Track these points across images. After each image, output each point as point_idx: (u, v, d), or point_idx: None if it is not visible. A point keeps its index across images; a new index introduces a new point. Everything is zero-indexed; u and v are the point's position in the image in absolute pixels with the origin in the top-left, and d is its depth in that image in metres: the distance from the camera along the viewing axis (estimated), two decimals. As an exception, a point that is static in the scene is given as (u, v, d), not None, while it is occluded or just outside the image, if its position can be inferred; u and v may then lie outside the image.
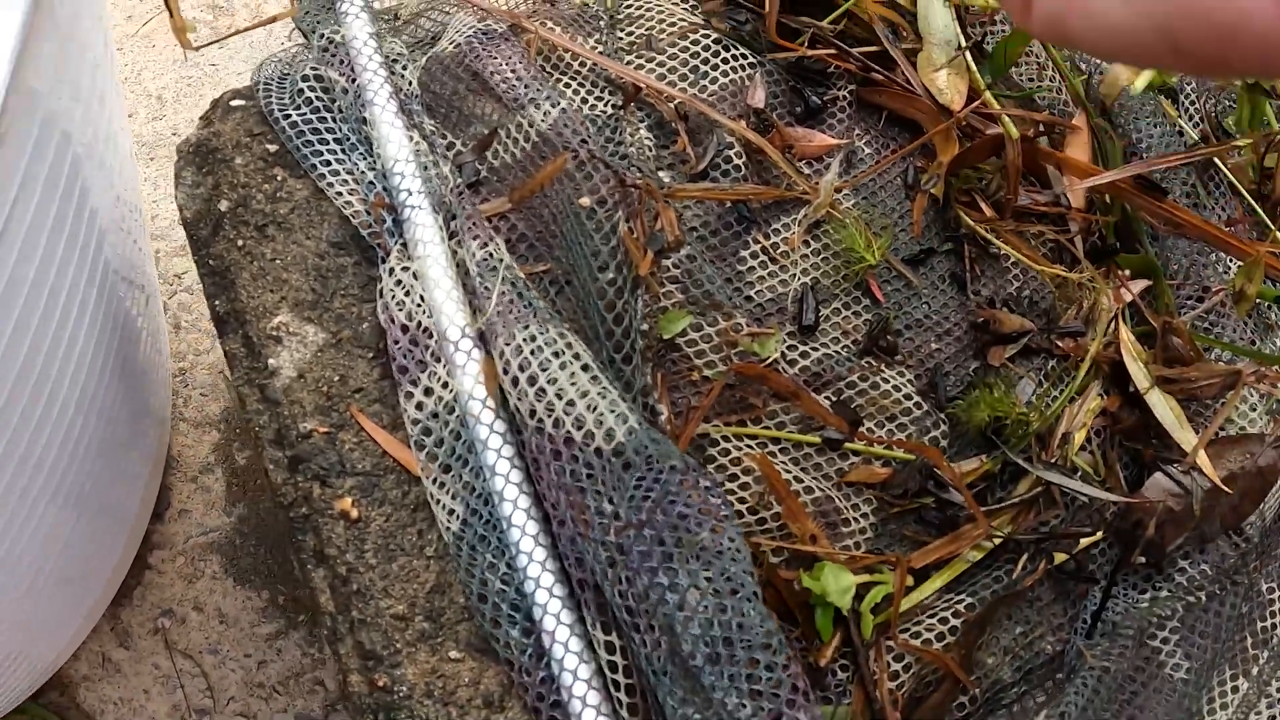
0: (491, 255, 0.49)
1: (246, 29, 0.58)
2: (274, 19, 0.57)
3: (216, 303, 0.53)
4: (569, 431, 0.45)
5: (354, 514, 0.49)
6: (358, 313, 0.52)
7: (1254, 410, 0.59)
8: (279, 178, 0.55)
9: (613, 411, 0.45)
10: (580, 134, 0.51)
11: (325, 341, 0.51)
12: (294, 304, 0.52)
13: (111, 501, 0.74)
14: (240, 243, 0.53)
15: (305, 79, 0.55)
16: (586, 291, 0.50)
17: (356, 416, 0.50)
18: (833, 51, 0.60)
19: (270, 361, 0.51)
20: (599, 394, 0.45)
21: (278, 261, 0.53)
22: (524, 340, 0.47)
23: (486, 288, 0.48)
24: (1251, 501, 0.56)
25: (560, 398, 0.45)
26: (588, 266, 0.49)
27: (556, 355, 0.46)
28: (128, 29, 0.91)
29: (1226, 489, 0.55)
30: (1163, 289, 0.61)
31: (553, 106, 0.53)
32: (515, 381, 0.47)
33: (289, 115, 0.55)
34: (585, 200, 0.50)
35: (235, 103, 0.57)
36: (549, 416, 0.45)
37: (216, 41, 0.55)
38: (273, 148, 0.55)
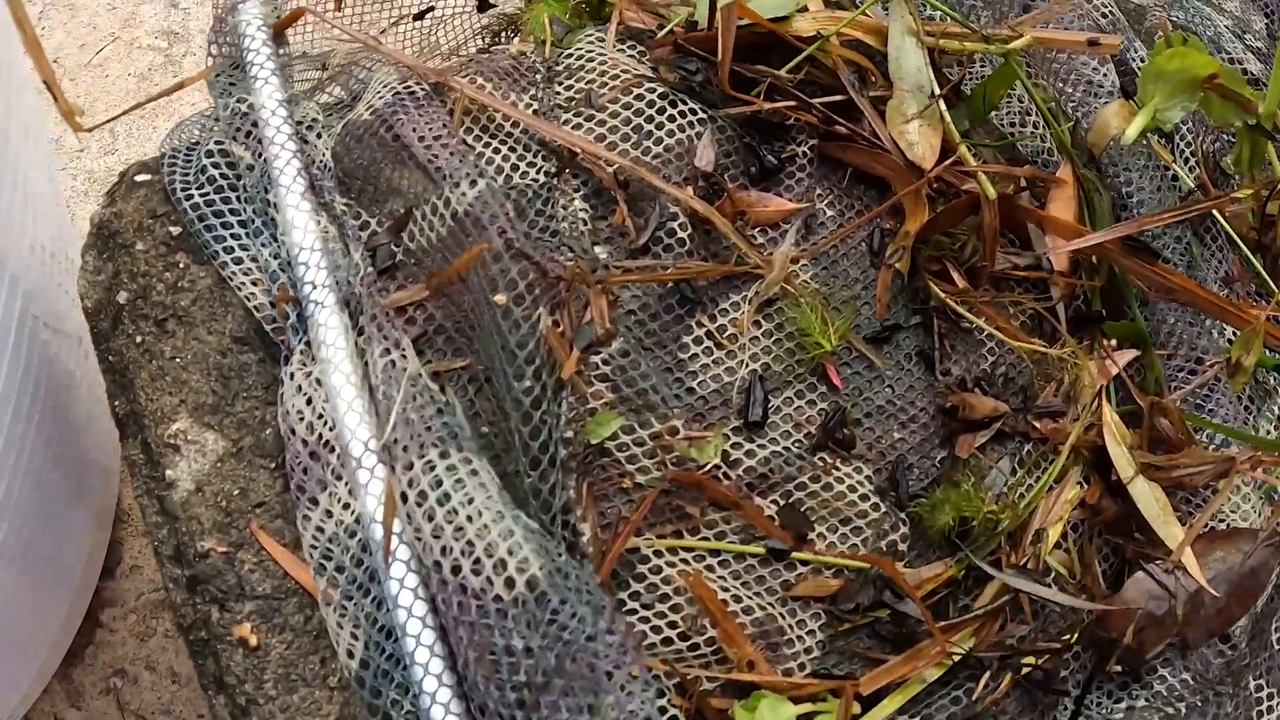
0: (394, 364, 0.45)
1: (135, 107, 0.54)
2: (181, 85, 0.52)
3: (116, 404, 0.49)
4: (474, 565, 0.41)
5: (253, 641, 0.46)
6: (261, 417, 0.48)
7: (1247, 502, 0.53)
8: (181, 265, 0.51)
9: (523, 544, 0.41)
10: (499, 218, 0.47)
11: (225, 450, 0.48)
12: (194, 408, 0.48)
13: (54, 557, 0.72)
14: (139, 339, 0.49)
15: (210, 154, 0.51)
16: (503, 397, 0.46)
17: (257, 534, 0.47)
18: (792, 103, 0.55)
19: (168, 473, 0.48)
20: (508, 524, 0.41)
21: (177, 360, 0.49)
22: (427, 464, 0.43)
23: (389, 400, 0.44)
24: (1241, 605, 0.52)
25: (465, 528, 0.41)
26: (504, 371, 0.45)
27: (461, 482, 0.42)
28: (80, 58, 0.87)
29: (1213, 592, 0.50)
30: (1152, 360, 0.56)
31: (472, 185, 0.48)
32: (419, 506, 0.43)
33: (191, 195, 0.50)
34: (500, 297, 0.45)
35: (141, 178, 0.53)
36: (453, 548, 0.41)
37: (108, 121, 0.51)
38: (176, 230, 0.51)
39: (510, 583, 0.40)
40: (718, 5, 0.53)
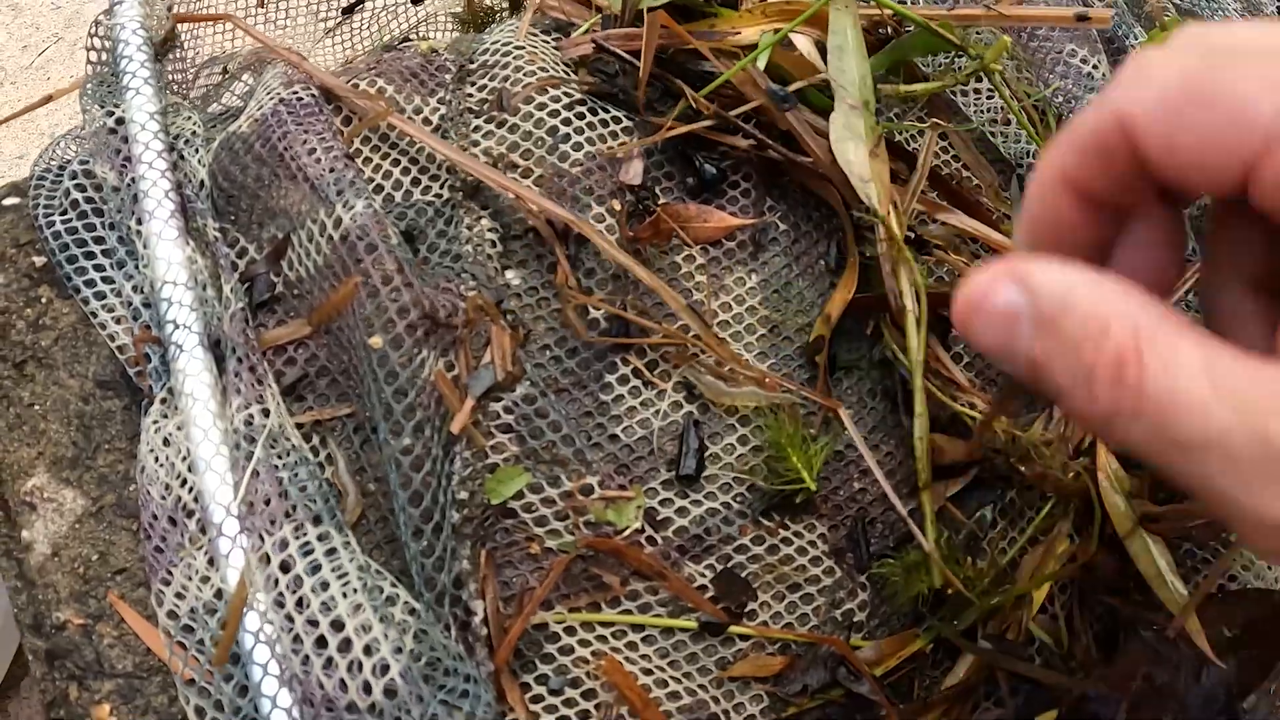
0: (254, 418, 0.39)
1: (17, 114, 0.48)
2: (49, 98, 0.47)
3: (-25, 453, 0.44)
4: (325, 666, 0.35)
5: (114, 727, 0.40)
6: (124, 472, 0.43)
7: (1260, 561, 0.46)
8: (44, 299, 0.45)
9: (382, 641, 0.35)
10: (378, 245, 0.41)
11: (84, 510, 0.42)
12: (52, 461, 0.43)
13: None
14: (-4, 382, 0.44)
15: (74, 175, 0.45)
16: (385, 456, 0.40)
17: (116, 605, 0.41)
18: (713, 123, 0.47)
19: (24, 533, 0.42)
20: (365, 617, 0.35)
21: (36, 407, 0.44)
22: (285, 537, 0.37)
23: (246, 461, 0.38)
24: (1253, 678, 0.44)
25: (318, 620, 0.36)
26: (382, 426, 0.39)
27: (318, 564, 0.36)
28: (22, 60, 0.83)
29: (1220, 664, 0.43)
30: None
31: (351, 205, 0.42)
32: (276, 587, 0.37)
33: (54, 222, 0.45)
34: (376, 340, 0.39)
35: (9, 201, 0.47)
36: (305, 641, 0.36)
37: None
38: (40, 261, 0.46)
39: (366, 688, 0.34)
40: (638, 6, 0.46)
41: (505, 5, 0.60)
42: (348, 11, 0.60)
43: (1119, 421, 0.25)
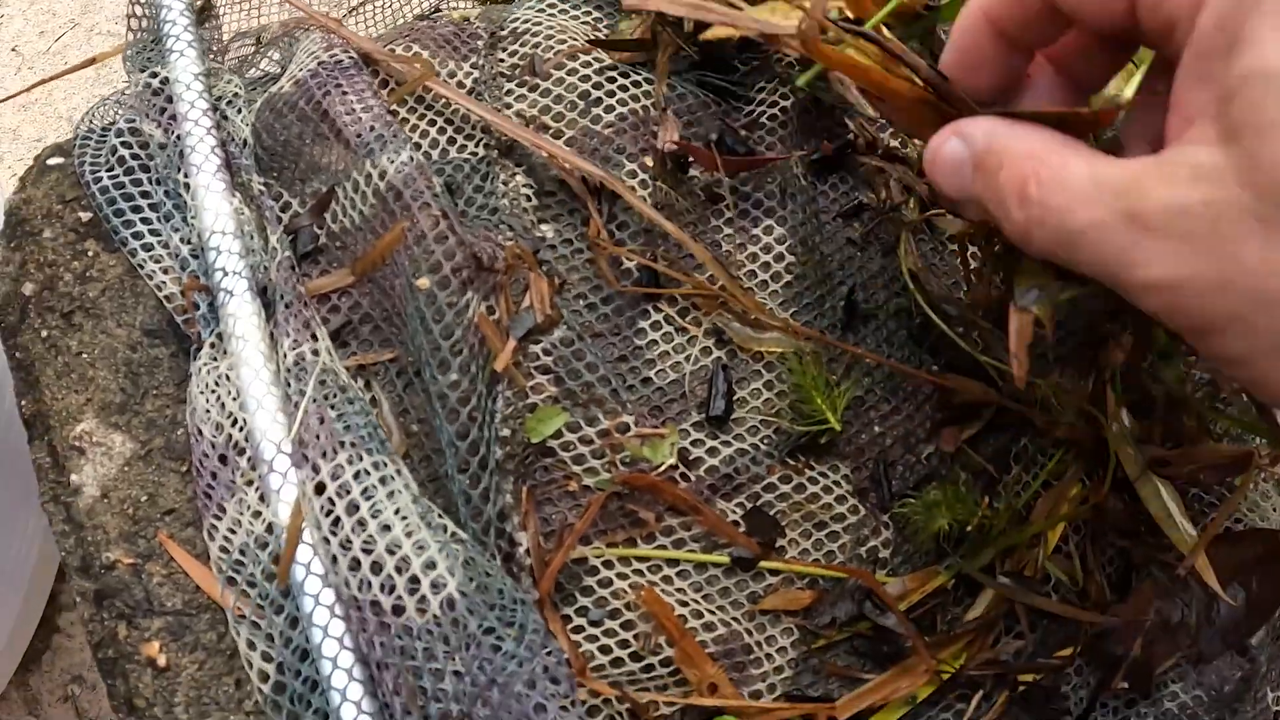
0: (304, 357, 0.40)
1: (53, 77, 0.50)
2: (93, 60, 0.48)
3: (23, 402, 0.45)
4: (385, 583, 0.36)
5: (162, 661, 0.41)
6: (172, 416, 0.44)
7: (1267, 500, 0.48)
8: (90, 253, 0.47)
9: (438, 560, 0.36)
10: (424, 193, 0.42)
11: (134, 453, 0.44)
12: (100, 407, 0.44)
13: (2, 559, 0.68)
14: (45, 333, 0.45)
15: (120, 134, 0.47)
16: (431, 393, 0.41)
17: (166, 545, 0.42)
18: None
19: (73, 477, 0.44)
20: (423, 536, 0.37)
21: (84, 355, 0.45)
22: (336, 468, 0.38)
23: (298, 398, 0.40)
24: (1260, 614, 0.46)
25: (375, 542, 0.37)
26: (429, 364, 0.41)
27: (372, 491, 0.38)
28: (39, 45, 0.84)
29: (1229, 600, 0.45)
30: (1165, 344, 0.51)
31: (395, 156, 0.43)
32: (327, 516, 0.38)
33: (100, 178, 0.46)
34: (424, 281, 0.41)
35: (53, 161, 0.49)
36: (364, 564, 0.37)
37: (19, 93, 0.47)
38: (86, 216, 0.47)
39: (424, 603, 0.36)
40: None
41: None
42: (372, -11, 0.62)
43: (1033, 232, 0.31)
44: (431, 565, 0.36)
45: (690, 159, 0.48)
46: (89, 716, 0.73)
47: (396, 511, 0.38)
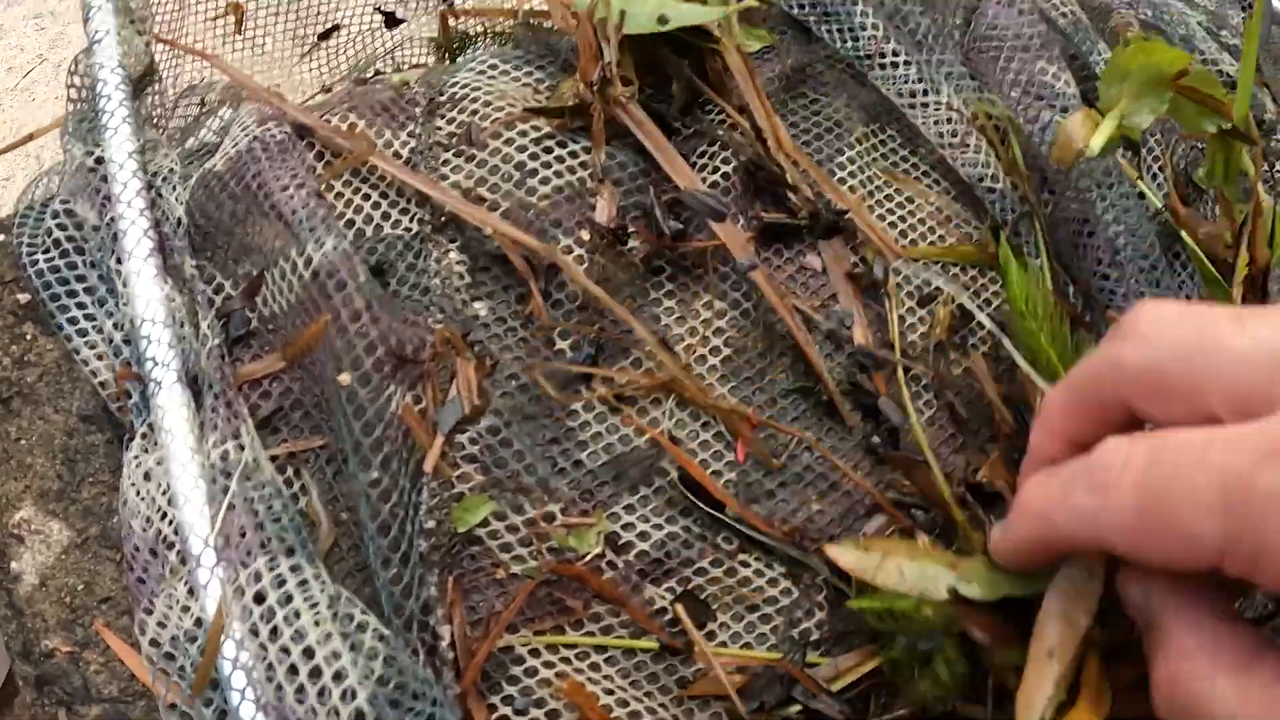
0: (228, 454, 0.41)
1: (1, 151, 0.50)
2: (30, 137, 0.48)
3: (-34, 484, 0.46)
4: (297, 692, 0.37)
5: (101, 749, 0.42)
6: (108, 504, 0.45)
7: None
8: (28, 336, 0.47)
9: (350, 669, 0.37)
10: (349, 285, 0.42)
11: (71, 541, 0.44)
12: (39, 494, 0.45)
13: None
14: (-16, 416, 0.46)
15: (55, 215, 0.47)
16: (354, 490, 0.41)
17: (102, 633, 0.43)
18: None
19: (13, 565, 0.44)
20: (334, 645, 0.37)
21: (23, 442, 0.46)
22: (258, 571, 0.39)
23: (222, 495, 0.40)
24: None
25: (290, 649, 0.37)
26: (352, 460, 0.41)
27: (290, 595, 0.38)
28: (7, 82, 0.84)
29: None
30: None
31: (321, 243, 0.43)
32: (249, 618, 0.39)
33: (36, 260, 0.47)
34: (344, 377, 0.41)
35: (-6, 236, 0.49)
36: (277, 669, 0.37)
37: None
38: (24, 299, 0.47)
39: (335, 713, 0.36)
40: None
41: (481, 30, 0.61)
42: (324, 36, 0.61)
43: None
44: (341, 676, 0.37)
45: (629, 230, 0.48)
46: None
47: (313, 615, 0.38)
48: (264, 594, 0.38)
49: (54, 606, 0.44)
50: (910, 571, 0.40)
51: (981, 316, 0.48)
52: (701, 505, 0.45)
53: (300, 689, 0.37)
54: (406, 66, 0.60)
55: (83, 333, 0.46)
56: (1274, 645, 0.29)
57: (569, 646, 0.43)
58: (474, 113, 0.49)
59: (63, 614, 0.43)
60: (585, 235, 0.47)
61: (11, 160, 0.79)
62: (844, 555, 0.40)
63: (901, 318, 0.49)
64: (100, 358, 0.45)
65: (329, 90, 0.60)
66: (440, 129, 0.49)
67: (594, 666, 0.43)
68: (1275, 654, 0.29)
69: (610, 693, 0.42)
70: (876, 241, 0.48)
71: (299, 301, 0.44)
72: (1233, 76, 0.58)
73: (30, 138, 0.48)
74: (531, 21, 0.55)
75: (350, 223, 0.47)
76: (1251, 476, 0.27)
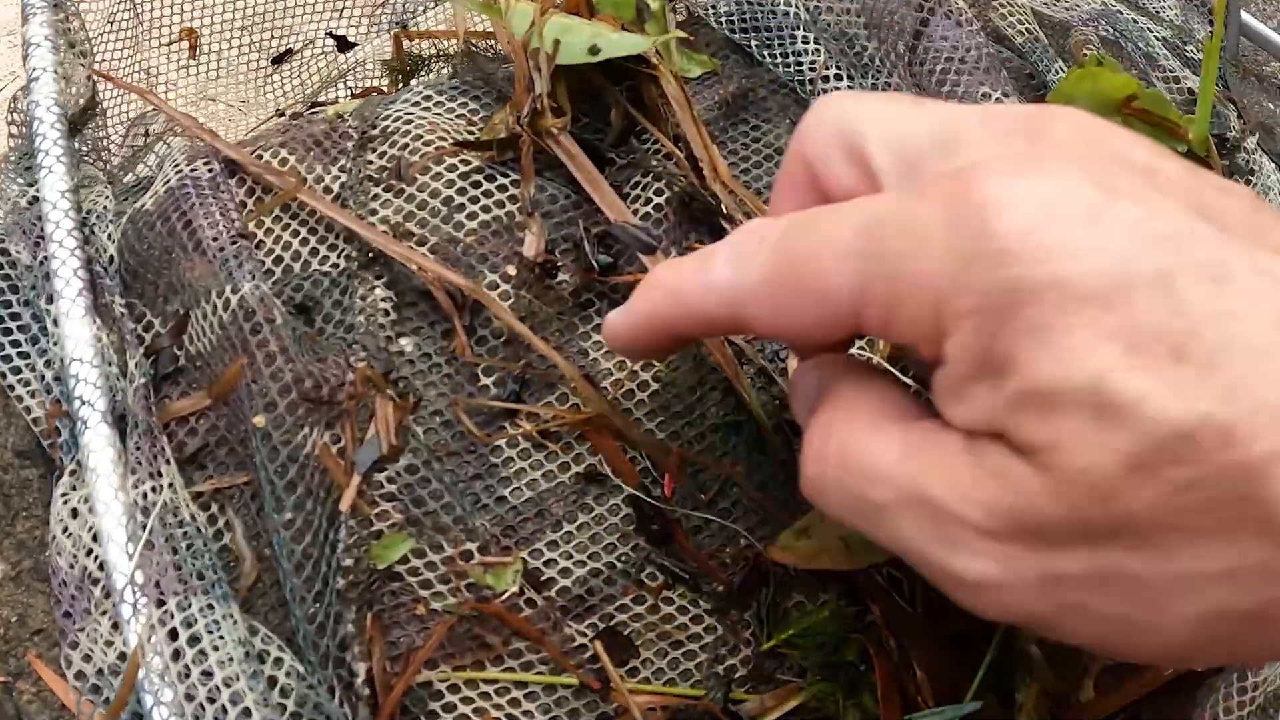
0: (147, 495, 0.41)
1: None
2: (-24, 168, 0.49)
3: (-92, 517, 0.47)
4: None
5: (32, 779, 0.43)
6: (40, 538, 0.45)
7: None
8: (-33, 371, 0.48)
9: (253, 710, 0.37)
10: (264, 328, 0.42)
11: (4, 574, 0.45)
12: (-26, 528, 0.46)
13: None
14: (-76, 451, 0.47)
15: (-9, 251, 0.48)
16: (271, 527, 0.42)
17: (34, 664, 0.44)
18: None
19: (-51, 596, 0.45)
20: (242, 685, 0.38)
21: (-40, 475, 0.46)
22: (171, 610, 0.39)
23: (142, 534, 0.41)
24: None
25: (202, 686, 0.38)
26: (267, 500, 0.41)
27: (200, 634, 0.39)
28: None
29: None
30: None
31: (240, 285, 0.44)
32: (163, 655, 0.39)
33: (-27, 297, 0.47)
34: (259, 419, 0.41)
35: (-64, 271, 0.50)
36: (190, 707, 0.38)
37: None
38: (-37, 334, 0.48)
39: (244, 748, 0.37)
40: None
41: (433, 52, 0.61)
42: (277, 61, 0.61)
43: (830, 491, 0.30)
44: (249, 714, 0.37)
45: (558, 264, 0.48)
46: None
47: (222, 655, 0.39)
48: (178, 632, 0.39)
49: (-13, 640, 0.45)
50: (855, 541, 0.41)
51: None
52: (639, 536, 0.45)
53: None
54: (359, 90, 0.61)
55: (16, 370, 0.46)
56: (932, 407, 0.29)
57: (489, 682, 0.43)
58: (404, 146, 0.49)
59: (-4, 647, 0.44)
60: (511, 271, 0.47)
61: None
62: (784, 552, 0.41)
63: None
64: (33, 394, 0.46)
65: (282, 114, 0.60)
66: (371, 163, 0.49)
67: (514, 703, 0.43)
68: (933, 414, 0.29)
69: (529, 730, 0.43)
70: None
71: (223, 340, 0.44)
72: (1196, 93, 0.57)
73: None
74: (475, 47, 0.55)
75: (279, 259, 0.47)
76: (886, 215, 0.28)
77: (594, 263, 0.47)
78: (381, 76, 0.62)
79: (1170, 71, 0.57)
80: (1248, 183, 0.56)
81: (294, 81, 0.63)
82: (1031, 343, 0.25)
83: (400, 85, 0.60)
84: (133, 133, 0.56)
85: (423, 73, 0.61)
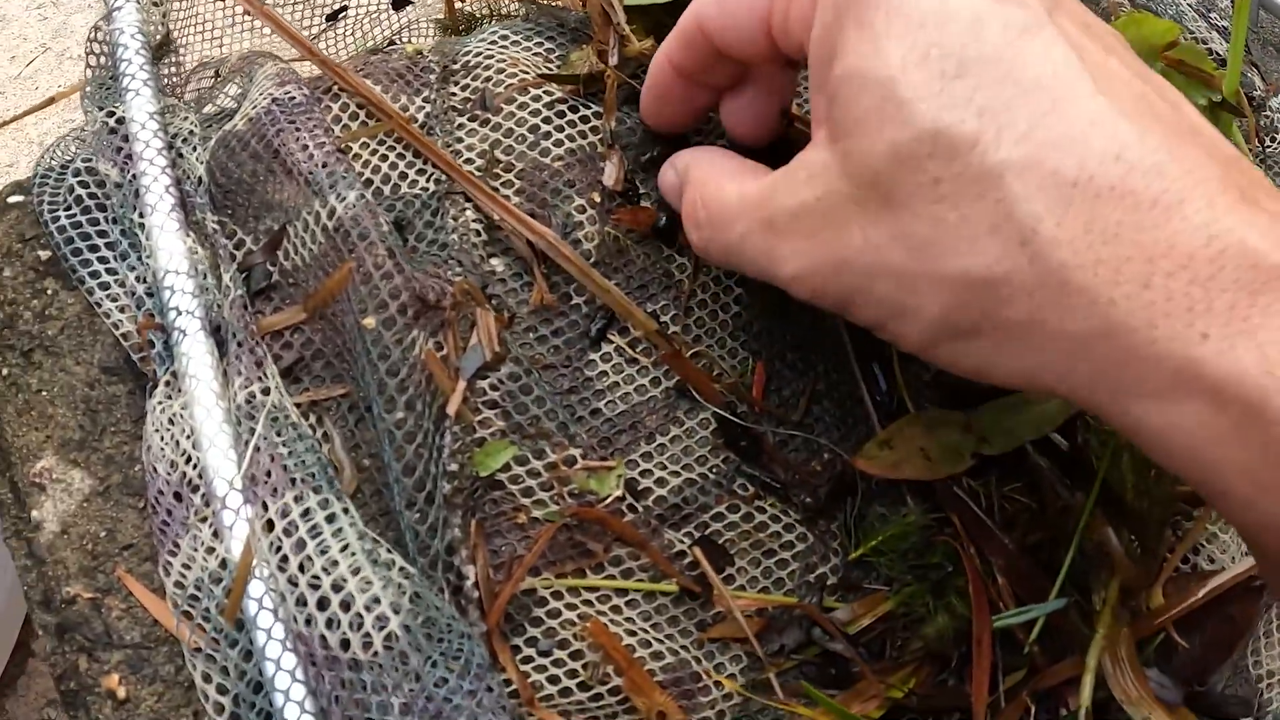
0: (255, 396, 0.41)
1: (22, 115, 0.51)
2: (52, 100, 0.49)
3: (-16, 439, 0.46)
4: (328, 620, 0.37)
5: (122, 693, 0.42)
6: (129, 453, 0.45)
7: (1226, 530, 0.48)
8: (50, 291, 0.47)
9: (381, 597, 0.37)
10: (371, 233, 0.43)
11: (92, 489, 0.44)
12: (60, 444, 0.45)
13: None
14: (5, 371, 0.46)
15: (77, 173, 0.48)
16: (379, 429, 0.42)
17: (124, 580, 0.43)
18: None
19: (34, 513, 0.44)
20: (366, 574, 0.38)
21: (44, 393, 0.46)
22: (287, 504, 0.39)
23: (248, 437, 0.41)
24: (1218, 654, 0.47)
25: (321, 579, 0.38)
26: (376, 401, 0.41)
27: (319, 528, 0.38)
28: (10, 70, 0.85)
29: (1182, 642, 0.45)
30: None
31: (344, 196, 0.44)
32: (278, 552, 0.39)
33: (58, 217, 0.47)
34: (369, 320, 0.41)
35: (14, 199, 0.50)
36: (309, 600, 0.38)
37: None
38: (45, 255, 0.48)
39: (368, 639, 0.36)
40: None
41: (486, 12, 0.62)
42: (331, 18, 0.62)
43: (708, 248, 0.39)
44: (375, 601, 0.37)
45: (640, 192, 0.49)
46: (69, 738, 0.74)
47: (342, 548, 0.39)
48: (293, 528, 0.39)
49: (75, 554, 0.44)
50: (936, 452, 0.42)
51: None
52: (729, 450, 0.46)
53: (332, 619, 0.37)
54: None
55: (105, 286, 0.46)
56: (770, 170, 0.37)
57: (590, 590, 0.44)
58: (487, 79, 0.50)
59: (84, 561, 0.44)
60: (596, 198, 0.49)
61: (15, 147, 0.79)
62: (868, 462, 0.42)
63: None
64: (122, 310, 0.46)
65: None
66: (454, 95, 0.50)
67: (615, 609, 0.44)
68: (768, 170, 0.37)
69: (632, 634, 0.43)
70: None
71: (321, 253, 0.45)
72: (1223, 56, 0.61)
73: (52, 101, 0.49)
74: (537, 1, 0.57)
75: (368, 182, 0.48)
76: None
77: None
78: (434, 36, 0.63)
79: (1198, 34, 0.60)
80: (1271, 140, 0.60)
81: (346, 40, 0.64)
82: (858, 35, 0.31)
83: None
84: (198, 76, 0.56)
85: (476, 30, 0.62)
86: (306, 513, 0.39)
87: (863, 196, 0.31)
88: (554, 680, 0.42)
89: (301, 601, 0.38)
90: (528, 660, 0.42)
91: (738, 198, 0.36)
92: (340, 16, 0.63)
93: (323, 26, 0.63)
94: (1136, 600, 0.47)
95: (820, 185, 0.32)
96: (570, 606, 0.43)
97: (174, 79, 0.54)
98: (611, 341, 0.47)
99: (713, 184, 0.38)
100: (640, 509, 0.45)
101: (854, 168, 0.31)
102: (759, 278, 0.37)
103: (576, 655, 0.42)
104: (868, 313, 0.34)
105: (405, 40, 0.62)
